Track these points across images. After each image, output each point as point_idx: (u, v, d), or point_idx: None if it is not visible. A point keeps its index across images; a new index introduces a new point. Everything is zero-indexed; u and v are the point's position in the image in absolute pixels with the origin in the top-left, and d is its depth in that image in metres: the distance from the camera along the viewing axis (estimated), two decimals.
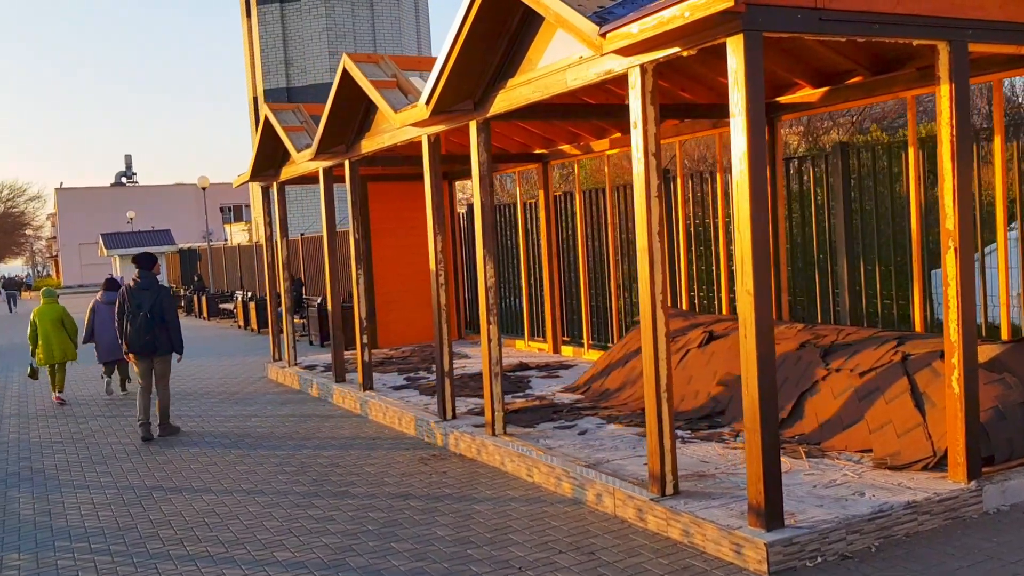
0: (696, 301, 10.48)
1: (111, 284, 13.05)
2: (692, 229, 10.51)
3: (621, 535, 5.54)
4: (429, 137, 8.31)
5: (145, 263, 9.71)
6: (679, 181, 10.34)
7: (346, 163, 10.32)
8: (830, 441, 6.56)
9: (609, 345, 11.54)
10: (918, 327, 7.65)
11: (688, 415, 7.79)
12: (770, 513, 4.88)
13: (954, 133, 5.43)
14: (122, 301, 9.57)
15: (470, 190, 29.76)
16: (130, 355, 9.63)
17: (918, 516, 5.20)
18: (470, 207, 15.81)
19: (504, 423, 7.66)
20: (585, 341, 12.04)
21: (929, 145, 7.92)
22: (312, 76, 30.67)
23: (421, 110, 7.61)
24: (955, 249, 5.45)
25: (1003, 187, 6.71)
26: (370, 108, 9.59)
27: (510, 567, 5.16)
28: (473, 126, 7.54)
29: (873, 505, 5.19)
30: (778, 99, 8.67)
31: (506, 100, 7.02)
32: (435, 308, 8.41)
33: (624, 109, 8.97)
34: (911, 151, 7.58)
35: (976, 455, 5.50)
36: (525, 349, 13.24)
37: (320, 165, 10.90)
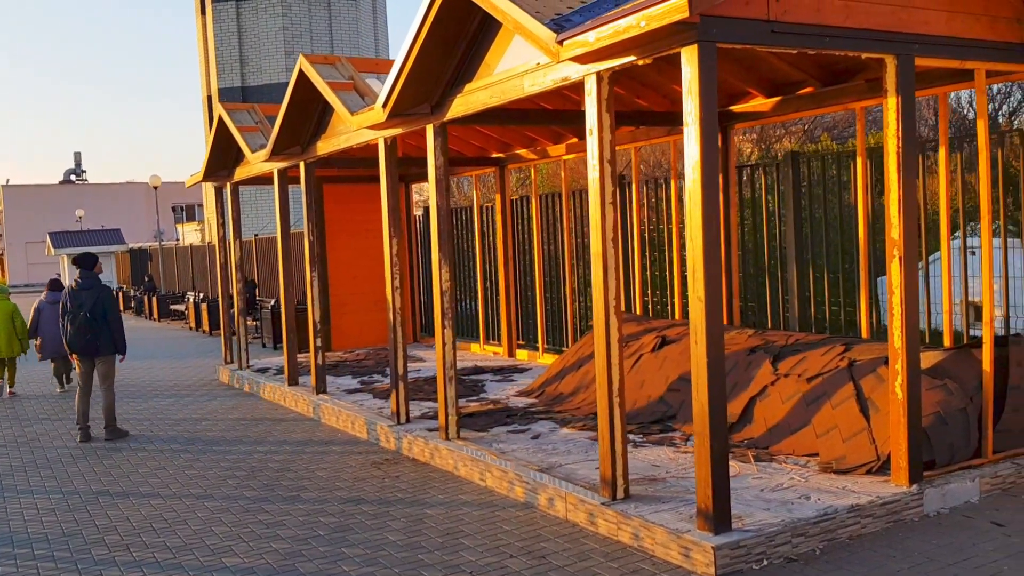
0: (650, 306, 10.58)
1: (55, 284, 13.48)
2: (647, 234, 10.61)
3: (572, 539, 5.57)
4: (386, 140, 8.28)
5: (86, 263, 9.58)
6: (634, 187, 10.43)
7: (301, 164, 10.24)
8: (778, 445, 6.67)
9: (564, 349, 11.59)
10: (864, 333, 7.82)
11: (640, 419, 7.86)
12: (718, 517, 4.95)
13: (900, 145, 5.56)
14: (64, 302, 9.43)
15: (426, 192, 29.67)
16: (73, 356, 9.52)
17: (861, 519, 5.32)
18: (426, 210, 15.77)
19: (458, 427, 7.66)
20: (540, 345, 12.08)
21: (877, 155, 8.10)
22: (268, 76, 30.34)
23: (378, 113, 7.59)
24: (900, 258, 5.58)
25: (947, 197, 6.88)
26: (326, 110, 9.53)
27: (461, 571, 5.16)
28: (430, 130, 7.54)
29: (818, 508, 5.29)
30: (731, 108, 8.80)
31: (463, 104, 7.03)
32: (390, 312, 8.38)
33: (581, 115, 9.06)
34: (859, 161, 7.74)
35: (918, 459, 5.64)
36: (480, 353, 13.24)
37: (275, 166, 10.80)
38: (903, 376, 5.59)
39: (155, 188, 34.70)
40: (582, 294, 11.77)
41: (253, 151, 11.03)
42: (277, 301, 17.96)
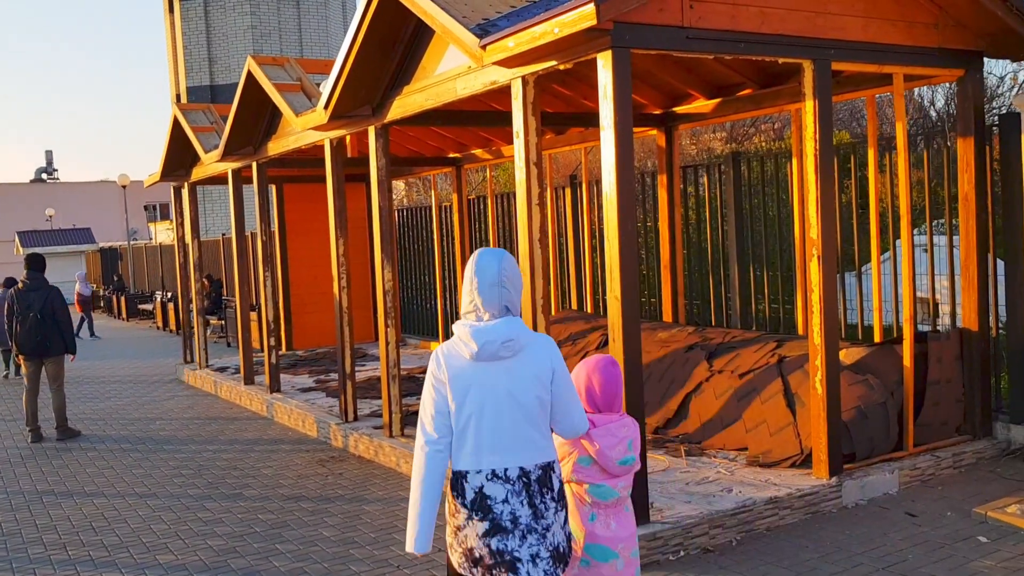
0: (600, 304, 10.72)
1: (9, 282, 14.24)
2: (598, 233, 10.74)
3: None
4: (331, 141, 8.36)
5: (37, 264, 9.58)
6: (584, 187, 10.56)
7: (253, 165, 10.30)
8: (710, 440, 6.83)
9: None
10: (800, 330, 7.98)
11: None
12: (635, 509, 5.06)
13: (818, 147, 5.72)
14: (11, 303, 9.44)
15: (401, 191, 29.66)
16: (20, 357, 9.54)
17: (779, 511, 5.47)
18: (399, 209, 15.84)
19: (402, 424, 7.76)
20: None
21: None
22: (236, 74, 30.17)
23: (320, 114, 7.67)
24: (818, 257, 5.74)
25: (875, 198, 7.04)
26: (276, 111, 9.59)
27: (389, 566, 5.27)
28: (372, 131, 7.63)
29: (737, 501, 5.44)
30: (675, 109, 8.96)
31: (401, 107, 7.13)
32: (337, 311, 8.46)
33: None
34: (795, 161, 7.91)
35: (837, 452, 5.80)
36: None
37: (228, 166, 10.85)
38: (822, 372, 5.75)
39: (123, 187, 34.49)
40: None
41: (207, 151, 11.07)
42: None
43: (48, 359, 9.50)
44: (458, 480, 3.25)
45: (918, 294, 9.65)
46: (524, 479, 3.21)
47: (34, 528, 6.50)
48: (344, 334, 8.47)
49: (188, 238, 12.95)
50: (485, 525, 3.20)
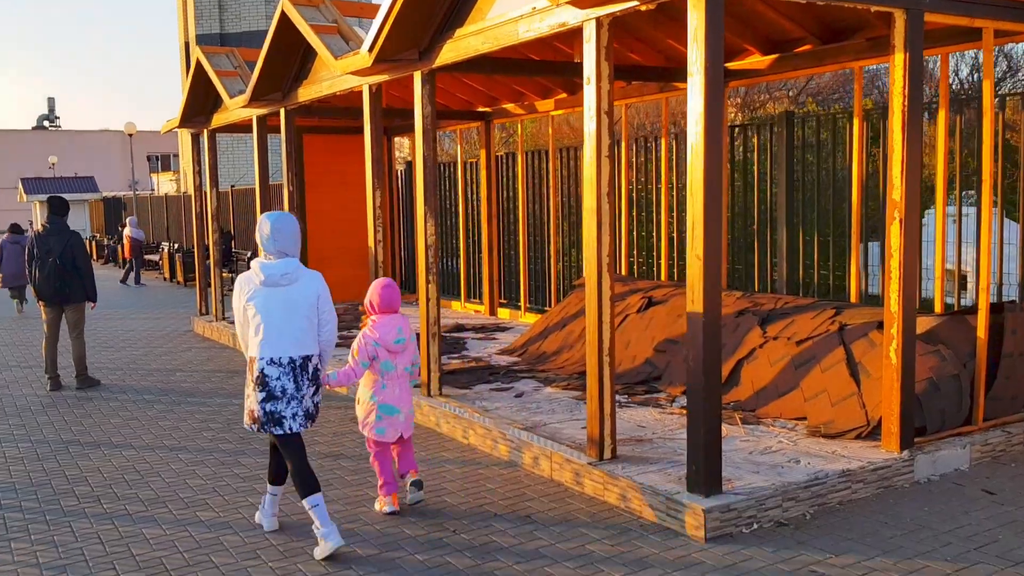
0: (636, 267, 10.44)
1: (15, 228, 15.63)
2: (635, 195, 10.43)
3: (557, 499, 5.46)
4: (370, 87, 8.00)
5: (59, 208, 9.21)
6: (623, 145, 10.23)
7: (281, 111, 9.93)
8: (765, 408, 6.58)
9: (546, 308, 11.45)
10: (853, 298, 7.71)
11: (626, 379, 7.75)
12: (709, 479, 4.84)
13: (906, 103, 5.40)
14: (31, 247, 9.09)
15: (407, 148, 29.21)
16: (40, 303, 9.22)
17: (852, 484, 5.24)
18: (408, 164, 15.47)
19: (440, 384, 7.51)
20: (522, 304, 11.93)
21: (874, 117, 7.95)
22: (247, 23, 29.59)
23: (363, 58, 7.31)
24: (900, 220, 5.45)
25: (944, 162, 6.74)
26: (308, 54, 9.21)
27: (444, 530, 5.04)
28: (418, 77, 7.27)
29: (809, 473, 5.20)
30: (727, 65, 8.58)
31: (454, 50, 6.77)
32: (371, 266, 8.16)
33: (571, 67, 8.81)
34: (856, 122, 7.57)
35: (910, 425, 5.56)
36: (461, 310, 13.08)
37: (254, 113, 10.48)
38: (898, 341, 5.48)
39: (130, 136, 33.92)
40: (566, 254, 11.61)
41: (232, 97, 10.69)
42: (254, 252, 17.65)
43: (68, 306, 9.19)
44: (250, 363, 4.74)
45: (950, 267, 9.39)
46: (291, 365, 4.69)
47: (64, 479, 6.25)
48: None
49: (207, 187, 12.60)
50: (263, 395, 4.69)
